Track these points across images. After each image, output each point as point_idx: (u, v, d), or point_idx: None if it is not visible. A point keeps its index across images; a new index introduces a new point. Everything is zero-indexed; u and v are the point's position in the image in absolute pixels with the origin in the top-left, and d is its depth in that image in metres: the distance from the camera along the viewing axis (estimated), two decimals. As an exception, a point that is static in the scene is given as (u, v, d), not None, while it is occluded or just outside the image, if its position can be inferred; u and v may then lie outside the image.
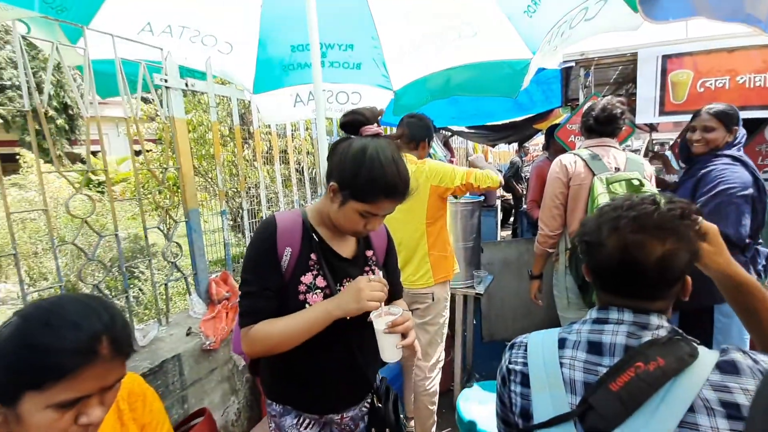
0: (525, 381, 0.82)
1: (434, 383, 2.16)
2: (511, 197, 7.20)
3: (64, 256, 4.44)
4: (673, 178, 3.01)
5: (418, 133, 2.11)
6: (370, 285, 0.97)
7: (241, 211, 2.42)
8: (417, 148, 2.13)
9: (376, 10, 2.38)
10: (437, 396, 2.19)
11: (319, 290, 1.05)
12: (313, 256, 1.07)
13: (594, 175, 1.85)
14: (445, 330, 2.21)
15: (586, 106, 2.10)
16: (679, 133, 3.72)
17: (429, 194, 2.00)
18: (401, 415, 1.24)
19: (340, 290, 1.07)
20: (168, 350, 1.79)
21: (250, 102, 2.45)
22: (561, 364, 0.78)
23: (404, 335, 1.01)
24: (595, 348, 0.76)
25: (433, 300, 2.09)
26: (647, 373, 0.67)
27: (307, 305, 1.03)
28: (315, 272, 1.06)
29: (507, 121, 4.84)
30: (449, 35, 2.28)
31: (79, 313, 0.67)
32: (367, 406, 1.22)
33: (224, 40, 2.17)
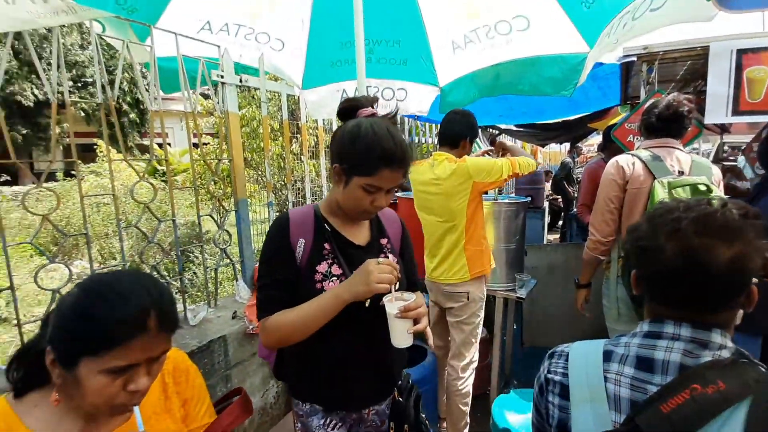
0: (564, 392, 0.78)
1: (467, 384, 2.12)
2: (560, 199, 6.87)
3: (130, 239, 4.84)
4: (745, 185, 2.73)
5: (457, 129, 2.06)
6: (379, 267, 0.95)
7: (287, 203, 2.51)
8: (456, 146, 2.08)
9: (424, 5, 2.36)
10: (470, 397, 2.16)
11: (335, 278, 1.06)
12: (326, 245, 1.08)
13: (654, 178, 1.72)
14: (480, 330, 2.16)
15: (648, 104, 1.94)
16: (754, 136, 3.36)
17: (471, 191, 1.97)
18: (422, 414, 1.22)
19: None
20: (215, 331, 1.90)
21: (298, 97, 2.52)
22: (605, 378, 0.73)
23: (416, 322, 0.99)
24: (645, 364, 0.70)
25: (468, 299, 2.06)
26: (705, 396, 0.61)
27: None
28: (330, 261, 1.07)
29: (559, 119, 4.61)
30: (501, 28, 2.21)
31: (131, 287, 0.73)
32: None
33: (276, 37, 2.25)
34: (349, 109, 1.09)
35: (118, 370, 0.70)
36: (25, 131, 13.02)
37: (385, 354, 1.12)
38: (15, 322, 1.40)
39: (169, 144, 13.84)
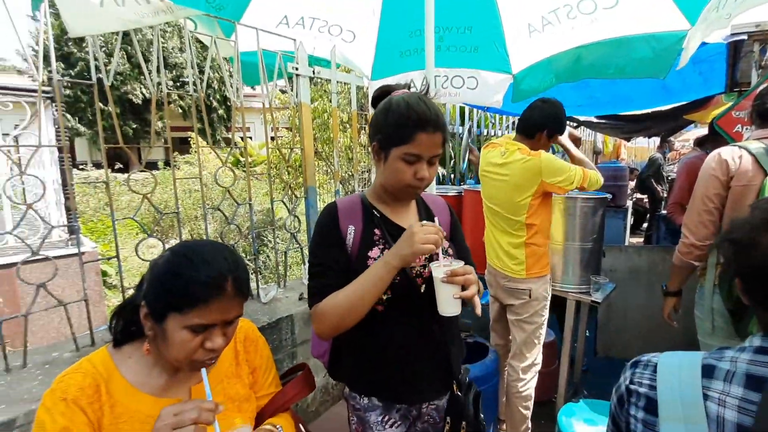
0: (651, 407, 0.70)
1: (528, 387, 2.02)
2: (646, 199, 6.21)
3: (215, 221, 5.35)
4: None
5: (536, 118, 1.91)
6: (423, 229, 0.92)
7: (354, 193, 2.58)
8: (531, 137, 1.93)
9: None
10: (532, 401, 2.05)
11: None
12: (376, 231, 1.07)
13: (767, 174, 1.47)
14: (543, 331, 2.03)
15: (761, 88, 1.67)
16: None
17: (537, 189, 1.84)
18: (481, 414, 1.18)
19: None
20: (283, 310, 2.02)
21: (367, 88, 2.56)
22: (705, 396, 0.65)
23: (464, 289, 0.95)
24: (756, 384, 0.61)
25: (530, 297, 1.94)
26: None
27: None
28: (381, 246, 1.06)
29: (649, 110, 4.13)
30: (584, 7, 2.03)
31: (212, 254, 0.81)
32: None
33: (348, 29, 2.30)
34: (382, 95, 1.09)
35: (198, 327, 0.78)
36: (135, 126, 14.95)
37: (444, 345, 1.11)
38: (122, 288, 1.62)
39: (250, 137, 14.99)
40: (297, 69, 2.04)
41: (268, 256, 4.63)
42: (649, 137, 7.11)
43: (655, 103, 3.73)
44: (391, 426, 1.12)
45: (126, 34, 1.48)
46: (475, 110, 4.20)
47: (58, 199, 3.17)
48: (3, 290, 2.55)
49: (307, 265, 2.33)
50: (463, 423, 1.12)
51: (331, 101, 2.29)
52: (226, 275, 0.79)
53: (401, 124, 0.96)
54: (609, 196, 2.37)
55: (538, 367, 2.05)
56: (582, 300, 2.24)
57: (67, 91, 13.75)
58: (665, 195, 5.76)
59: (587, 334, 3.01)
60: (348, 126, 4.51)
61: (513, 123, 4.90)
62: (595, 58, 2.10)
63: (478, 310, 0.97)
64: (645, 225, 6.43)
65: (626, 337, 3.02)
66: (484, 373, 2.05)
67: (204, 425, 0.72)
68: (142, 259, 1.74)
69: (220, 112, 15.87)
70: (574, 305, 2.27)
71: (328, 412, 2.25)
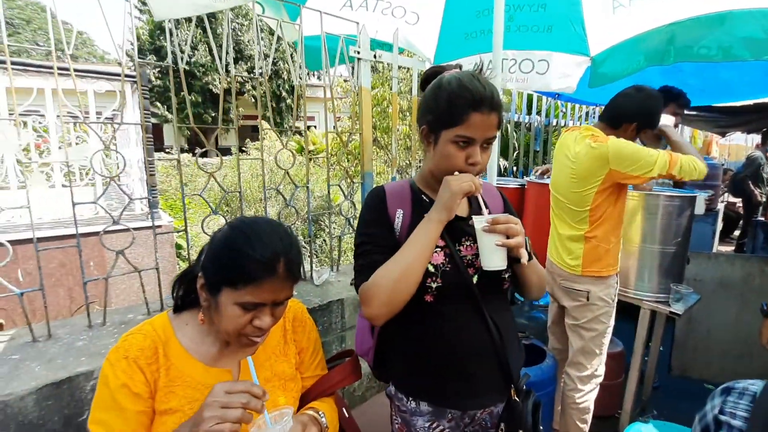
0: None
1: (586, 398, 1.85)
2: (740, 203, 5.45)
3: (277, 204, 5.63)
4: None
5: (626, 107, 1.68)
6: (455, 176, 0.90)
7: (410, 181, 2.53)
8: (616, 128, 1.71)
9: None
10: (590, 414, 1.88)
11: (439, 249, 0.97)
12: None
13: None
14: (606, 340, 1.83)
15: None
16: None
17: (604, 179, 1.63)
18: (540, 427, 1.08)
19: (459, 250, 1.00)
20: (335, 293, 2.05)
21: (430, 74, 2.48)
22: None
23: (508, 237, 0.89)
24: None
25: (587, 300, 1.76)
26: None
27: (429, 265, 0.96)
28: None
29: (753, 101, 3.58)
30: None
31: (268, 233, 0.81)
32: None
33: (412, 10, 2.23)
34: (433, 75, 1.02)
35: (248, 305, 0.79)
36: (213, 114, 16.15)
37: (502, 345, 1.01)
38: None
39: (315, 126, 15.51)
40: (358, 53, 2.02)
41: (324, 241, 4.76)
42: (748, 133, 6.21)
43: (761, 93, 3.21)
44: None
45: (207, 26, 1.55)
46: (544, 98, 3.92)
47: (141, 176, 3.52)
48: (93, 255, 2.91)
49: (359, 251, 2.34)
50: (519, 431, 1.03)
51: (391, 88, 2.25)
52: (279, 256, 0.79)
53: (453, 105, 0.90)
54: (706, 194, 2.08)
55: (599, 379, 1.88)
56: (658, 310, 2.01)
57: (158, 81, 15.18)
58: (764, 199, 5.03)
59: (661, 349, 2.72)
60: (408, 114, 4.45)
61: (587, 113, 4.52)
62: (691, 38, 1.83)
63: (524, 259, 0.90)
64: (737, 232, 5.67)
65: (708, 357, 2.68)
66: (540, 379, 1.91)
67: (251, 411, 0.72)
68: (208, 235, 1.85)
69: (288, 101, 16.62)
70: (648, 315, 2.04)
71: (372, 400, 2.25)
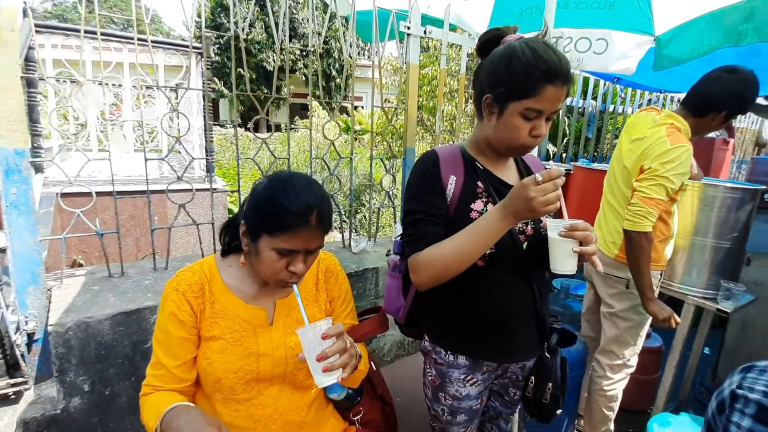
0: (763, 416, 0.60)
1: (615, 387, 1.82)
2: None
3: (322, 177, 5.90)
4: None
5: (715, 93, 1.51)
6: (540, 189, 0.80)
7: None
8: (702, 116, 1.56)
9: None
10: (617, 403, 1.85)
11: None
12: (480, 183, 1.03)
13: None
14: (643, 332, 1.78)
15: None
16: None
17: (633, 174, 1.59)
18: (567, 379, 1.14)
19: None
20: (370, 262, 2.14)
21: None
22: None
23: (582, 244, 0.87)
24: None
25: (627, 287, 1.71)
26: None
27: None
28: (485, 200, 1.02)
29: None
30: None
31: (303, 186, 0.90)
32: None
33: (467, -15, 2.20)
34: (492, 39, 0.99)
35: (283, 251, 0.88)
36: (266, 91, 16.68)
37: (541, 305, 1.08)
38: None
39: (362, 107, 15.62)
40: (408, 28, 2.04)
41: (364, 216, 4.90)
42: None
43: None
44: (471, 385, 1.11)
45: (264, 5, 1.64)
46: (602, 82, 3.71)
47: (201, 143, 3.81)
48: (157, 211, 3.24)
49: (398, 223, 2.40)
50: (549, 385, 1.11)
51: (440, 66, 2.25)
52: (312, 207, 0.87)
53: (527, 76, 0.87)
54: (765, 188, 1.93)
55: (631, 370, 1.84)
56: (704, 306, 1.91)
57: (217, 58, 15.89)
58: None
59: (706, 351, 2.59)
60: (456, 95, 4.38)
61: (650, 100, 4.21)
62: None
63: (600, 267, 0.88)
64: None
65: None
66: (570, 362, 1.91)
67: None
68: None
69: (338, 81, 16.79)
70: (692, 311, 1.95)
71: (400, 361, 2.35)
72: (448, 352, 1.11)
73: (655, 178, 1.48)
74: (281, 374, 0.98)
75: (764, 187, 1.89)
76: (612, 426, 1.90)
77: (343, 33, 1.94)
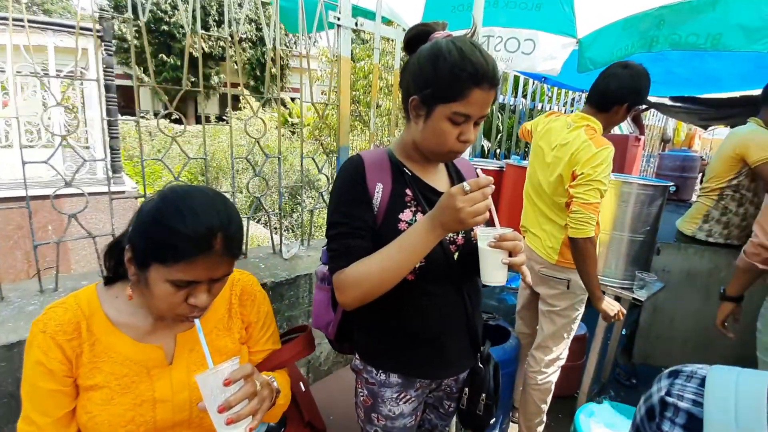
0: (693, 426, 0.58)
1: (548, 380, 1.89)
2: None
3: (256, 177, 5.57)
4: None
5: (615, 88, 1.59)
6: (468, 198, 0.75)
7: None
8: (606, 110, 1.64)
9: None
10: (550, 395, 1.93)
11: None
12: (408, 191, 0.96)
13: None
14: (575, 327, 1.87)
15: None
16: None
17: (566, 180, 1.62)
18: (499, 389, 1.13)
19: None
20: (303, 268, 2.01)
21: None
22: None
23: (512, 255, 0.83)
24: None
25: (567, 288, 1.77)
26: None
27: None
28: (413, 209, 0.95)
29: (740, 93, 3.58)
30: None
31: (203, 205, 0.73)
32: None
33: (397, -23, 2.12)
34: (418, 35, 0.92)
35: (181, 283, 0.73)
36: (193, 79, 15.51)
37: (473, 317, 1.04)
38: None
39: (299, 98, 15.17)
40: (338, 19, 1.91)
41: (299, 216, 4.74)
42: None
43: (750, 84, 3.15)
44: (405, 402, 1.06)
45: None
46: (530, 81, 3.86)
47: (107, 139, 3.35)
48: (52, 219, 2.77)
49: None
50: (483, 395, 1.08)
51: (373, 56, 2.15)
52: (215, 232, 0.72)
53: (454, 78, 0.82)
54: (672, 186, 2.10)
55: (562, 362, 1.92)
56: (622, 296, 2.05)
57: (135, 42, 14.42)
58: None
59: (623, 333, 2.80)
60: (392, 89, 4.35)
61: (573, 99, 4.48)
62: (680, 23, 1.79)
63: (529, 279, 0.86)
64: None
65: (670, 345, 2.76)
66: (502, 359, 1.93)
67: None
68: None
69: (273, 71, 16.08)
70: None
71: (335, 374, 2.26)
72: (380, 371, 1.04)
73: (590, 183, 1.52)
74: (185, 420, 0.84)
75: (671, 183, 2.05)
76: (545, 417, 1.97)
77: (266, 22, 1.77)
